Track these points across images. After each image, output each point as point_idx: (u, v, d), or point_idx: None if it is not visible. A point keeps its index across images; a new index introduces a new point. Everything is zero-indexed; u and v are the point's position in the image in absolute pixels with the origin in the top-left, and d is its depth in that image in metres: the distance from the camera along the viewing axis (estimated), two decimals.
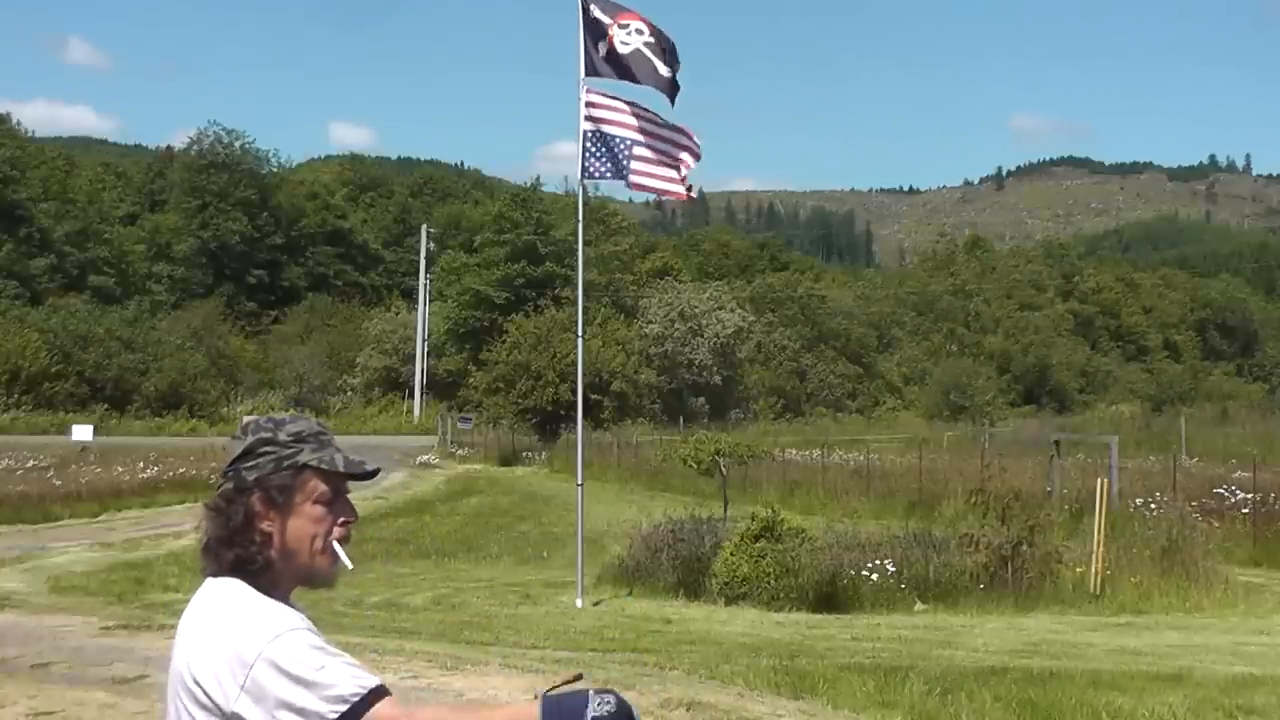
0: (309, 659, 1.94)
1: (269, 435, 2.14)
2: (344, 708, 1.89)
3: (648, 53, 12.49)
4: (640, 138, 12.63)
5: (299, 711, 1.91)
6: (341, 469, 2.13)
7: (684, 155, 12.70)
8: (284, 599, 2.13)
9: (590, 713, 1.85)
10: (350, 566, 2.16)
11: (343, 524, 2.14)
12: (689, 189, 13.00)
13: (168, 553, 17.38)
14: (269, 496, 2.09)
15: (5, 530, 20.11)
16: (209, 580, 2.12)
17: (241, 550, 2.09)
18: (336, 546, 2.13)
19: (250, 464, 2.11)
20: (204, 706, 1.98)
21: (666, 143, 12.67)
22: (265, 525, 2.10)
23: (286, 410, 55.09)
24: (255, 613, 2.02)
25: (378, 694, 1.92)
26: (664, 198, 13.12)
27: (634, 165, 12.64)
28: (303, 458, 2.11)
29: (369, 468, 2.17)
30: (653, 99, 12.85)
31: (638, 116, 12.72)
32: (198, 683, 1.98)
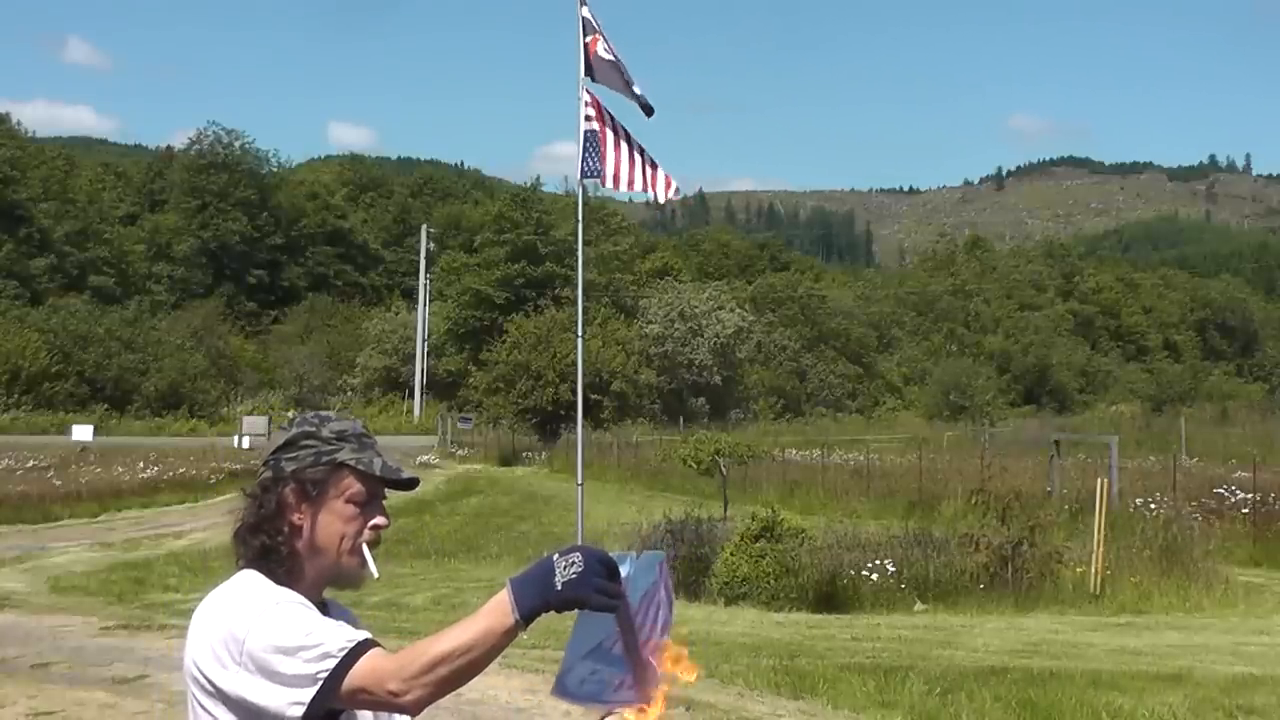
0: (297, 625, 1.93)
1: (312, 429, 2.15)
2: (333, 662, 1.88)
3: (620, 68, 12.71)
4: (613, 138, 12.77)
5: (291, 680, 1.90)
6: (377, 473, 2.12)
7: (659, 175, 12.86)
8: (310, 595, 2.12)
9: (559, 578, 1.80)
10: (375, 575, 2.14)
11: (374, 528, 2.13)
12: (663, 197, 13.13)
13: (168, 553, 17.39)
14: (303, 489, 2.10)
15: (5, 530, 20.11)
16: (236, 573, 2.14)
17: (268, 539, 2.10)
18: (366, 550, 2.12)
19: (290, 455, 2.13)
20: (210, 694, 1.99)
21: (640, 154, 12.82)
22: (296, 518, 2.11)
23: (289, 409, 55.32)
24: (250, 593, 2.03)
25: (365, 646, 1.90)
26: (638, 191, 13.20)
27: (607, 163, 12.77)
28: (341, 456, 2.12)
29: (405, 475, 2.16)
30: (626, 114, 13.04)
31: (614, 123, 12.86)
32: (201, 671, 1.99)
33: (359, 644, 1.90)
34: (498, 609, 1.82)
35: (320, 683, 1.88)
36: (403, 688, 1.83)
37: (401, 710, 1.89)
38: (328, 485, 2.11)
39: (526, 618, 1.81)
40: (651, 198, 13.06)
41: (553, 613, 1.84)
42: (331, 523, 2.11)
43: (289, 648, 1.91)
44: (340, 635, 1.92)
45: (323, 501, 2.11)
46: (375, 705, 1.90)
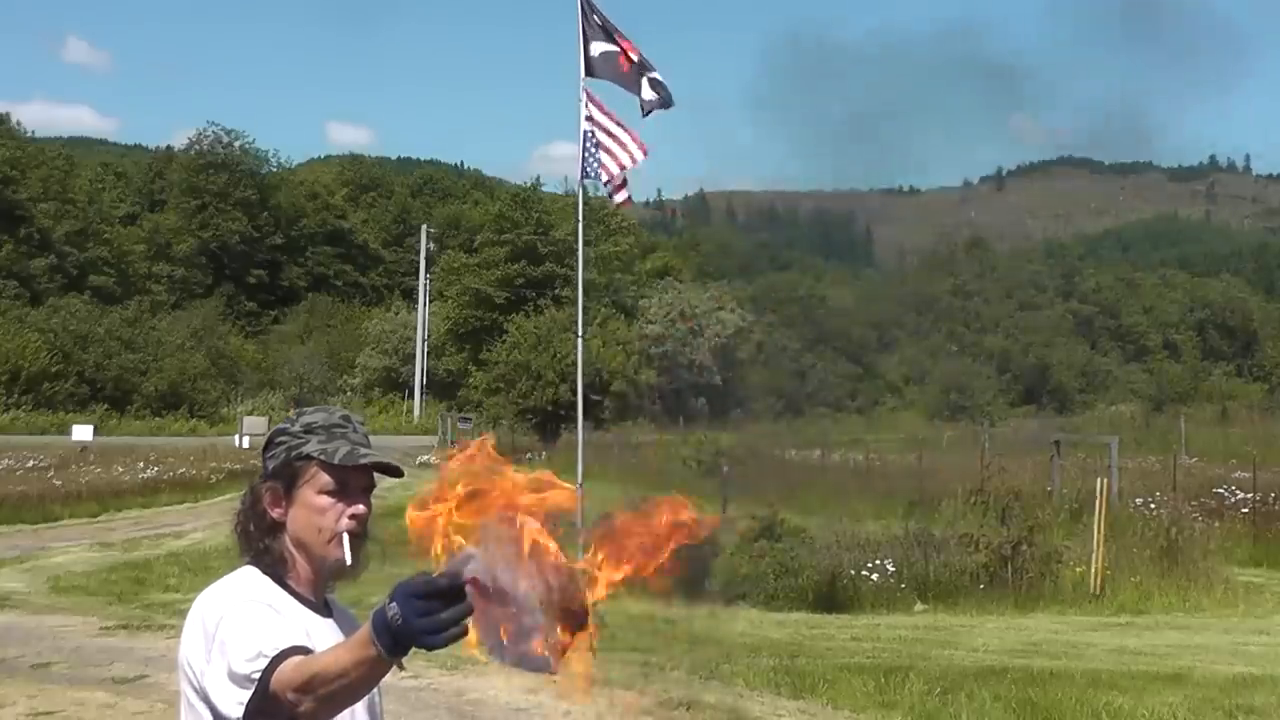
0: (252, 626, 1.97)
1: (286, 426, 2.21)
2: (264, 662, 1.90)
3: (650, 74, 12.80)
4: (608, 141, 12.87)
5: (238, 679, 1.92)
6: (335, 461, 2.13)
7: (627, 154, 12.96)
8: (309, 591, 2.16)
9: (392, 628, 1.71)
10: (348, 562, 2.13)
11: (351, 517, 2.14)
12: (624, 195, 13.35)
13: (168, 553, 17.36)
14: (277, 487, 2.15)
15: (5, 530, 20.09)
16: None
17: (246, 540, 2.16)
18: (344, 539, 2.13)
19: (270, 454, 2.19)
20: (195, 690, 2.03)
21: (619, 143, 12.94)
22: (276, 514, 2.15)
23: (289, 409, 55.32)
24: (231, 590, 2.08)
25: (291, 652, 1.91)
26: (613, 194, 13.37)
27: (604, 162, 12.86)
28: (308, 448, 2.15)
29: (365, 460, 2.15)
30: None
31: (618, 124, 12.96)
32: (190, 665, 2.03)
33: (287, 649, 1.91)
34: (365, 640, 1.76)
35: (255, 683, 1.89)
36: (294, 699, 1.83)
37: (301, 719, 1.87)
38: (298, 479, 2.14)
39: (389, 651, 1.73)
40: (608, 193, 13.29)
41: None
42: (308, 516, 2.13)
43: (241, 646, 1.93)
44: (279, 639, 1.93)
45: (296, 495, 2.14)
46: (287, 712, 1.87)
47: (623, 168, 12.93)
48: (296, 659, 1.88)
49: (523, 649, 1.81)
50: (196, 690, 2.01)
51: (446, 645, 1.71)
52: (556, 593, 1.82)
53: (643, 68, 12.72)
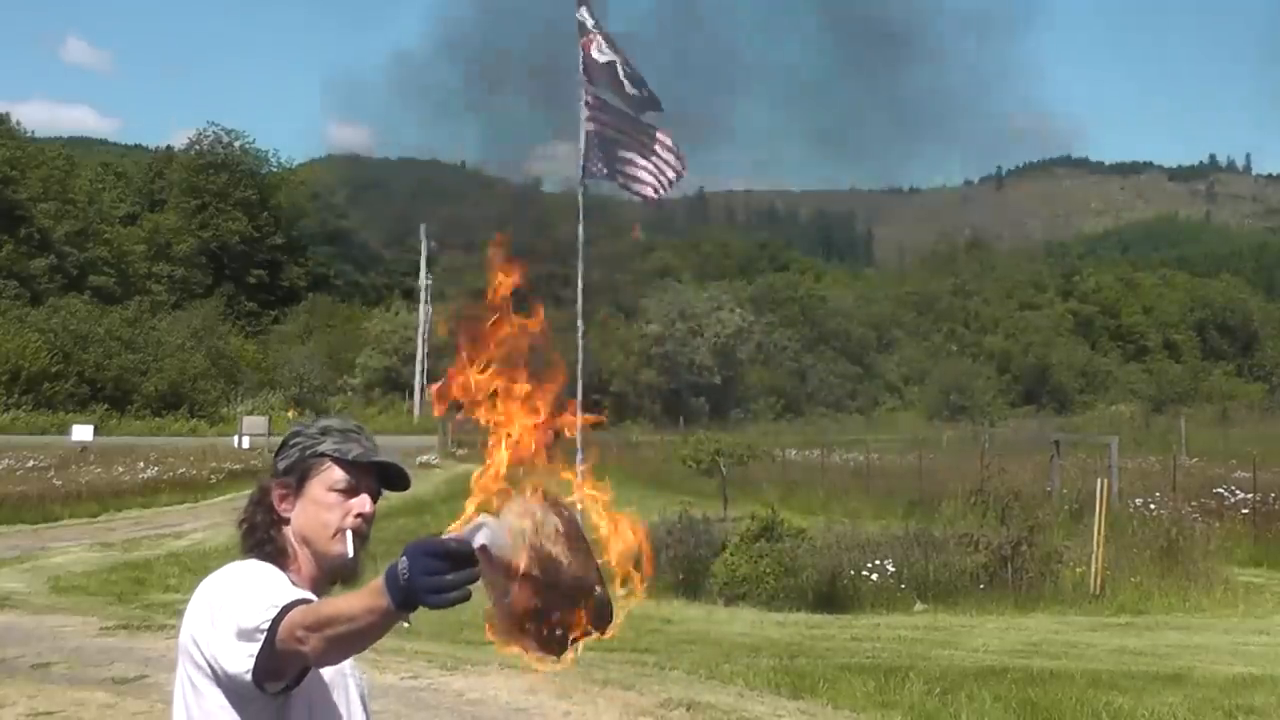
0: (259, 585, 2.04)
1: (301, 429, 2.29)
2: (274, 612, 1.95)
3: (619, 70, 12.76)
4: (623, 138, 12.82)
5: (248, 633, 1.97)
6: (350, 458, 2.21)
7: (665, 161, 12.88)
8: (309, 587, 2.19)
9: (402, 583, 1.75)
10: (350, 554, 2.19)
11: (357, 515, 2.21)
12: (657, 194, 13.24)
13: (168, 553, 17.36)
14: (289, 482, 2.22)
15: (5, 530, 20.09)
16: None
17: (250, 534, 2.22)
18: (348, 534, 2.19)
19: (284, 455, 2.26)
20: (199, 666, 2.07)
21: (646, 145, 12.86)
22: (283, 509, 2.22)
23: (288, 410, 55.34)
24: (234, 567, 2.14)
25: (300, 601, 1.97)
26: (639, 196, 13.30)
27: (620, 166, 12.81)
28: (322, 447, 2.22)
29: (376, 459, 2.24)
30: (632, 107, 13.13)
31: (620, 119, 12.91)
32: (194, 638, 2.07)
33: (297, 599, 1.98)
34: (378, 590, 1.81)
35: (265, 633, 1.95)
36: (301, 635, 1.89)
37: (307, 660, 1.93)
38: (310, 476, 2.21)
39: (400, 606, 1.79)
40: (655, 193, 13.14)
41: None
42: (316, 512, 2.20)
43: (249, 605, 1.98)
44: (289, 595, 2.00)
45: (306, 491, 2.21)
46: (295, 656, 1.93)
47: (657, 173, 12.85)
48: (303, 605, 1.95)
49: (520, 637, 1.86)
50: (200, 665, 2.06)
51: (449, 606, 1.76)
52: (566, 582, 1.84)
53: (613, 68, 12.68)
